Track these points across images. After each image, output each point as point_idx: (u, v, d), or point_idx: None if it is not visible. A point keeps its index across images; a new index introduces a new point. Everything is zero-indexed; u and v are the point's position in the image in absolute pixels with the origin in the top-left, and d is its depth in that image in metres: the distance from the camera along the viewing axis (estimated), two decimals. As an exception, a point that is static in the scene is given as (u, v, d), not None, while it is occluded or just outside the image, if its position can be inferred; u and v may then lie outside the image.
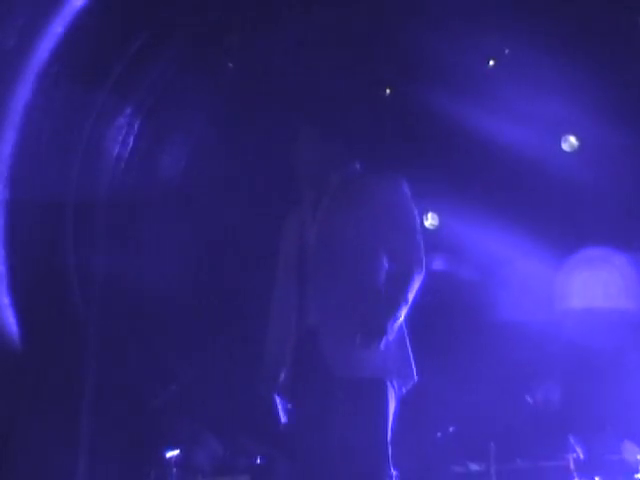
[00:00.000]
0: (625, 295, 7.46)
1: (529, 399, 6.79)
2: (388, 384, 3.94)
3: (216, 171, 7.38)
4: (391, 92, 7.71)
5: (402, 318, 3.95)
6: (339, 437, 3.88)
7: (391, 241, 4.01)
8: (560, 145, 7.53)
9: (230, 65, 7.44)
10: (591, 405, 6.88)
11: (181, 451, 6.86)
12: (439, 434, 7.23)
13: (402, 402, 4.07)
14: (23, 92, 6.36)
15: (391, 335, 3.88)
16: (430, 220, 7.75)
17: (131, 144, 7.31)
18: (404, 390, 4.02)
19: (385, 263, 4.02)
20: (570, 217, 7.46)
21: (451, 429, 7.16)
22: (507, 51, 7.31)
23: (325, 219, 4.04)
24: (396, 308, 3.90)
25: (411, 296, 3.96)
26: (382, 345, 3.83)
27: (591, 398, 6.93)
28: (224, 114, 7.58)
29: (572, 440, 6.34)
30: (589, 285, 7.62)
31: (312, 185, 4.10)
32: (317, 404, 3.94)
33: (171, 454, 6.84)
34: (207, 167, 7.51)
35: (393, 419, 3.97)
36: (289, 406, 4.04)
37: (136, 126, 7.29)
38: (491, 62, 7.39)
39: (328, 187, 4.07)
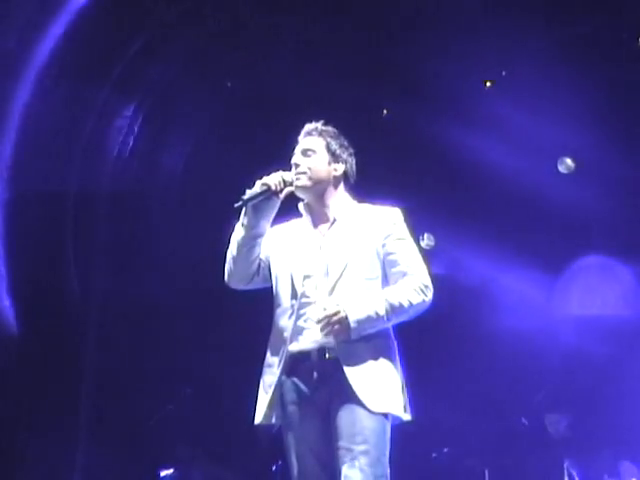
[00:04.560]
0: (623, 303, 7.47)
1: (524, 421, 6.79)
2: (389, 416, 3.94)
3: (216, 170, 7.37)
4: (387, 114, 7.75)
5: (375, 329, 3.88)
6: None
7: (395, 269, 4.00)
8: (557, 167, 7.56)
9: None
10: (589, 425, 6.87)
11: (175, 470, 6.86)
12: (434, 454, 7.24)
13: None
14: (23, 92, 6.38)
15: (354, 333, 3.83)
16: (426, 240, 7.76)
17: (131, 144, 7.33)
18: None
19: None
20: (565, 228, 7.48)
21: (445, 450, 7.16)
22: (504, 73, 7.34)
23: (332, 248, 4.02)
24: (379, 314, 3.87)
25: (396, 317, 3.90)
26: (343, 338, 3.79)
27: (588, 418, 6.92)
28: (224, 114, 7.60)
29: (567, 464, 6.33)
30: (587, 294, 7.63)
31: (313, 217, 4.09)
32: (314, 429, 3.92)
33: (165, 473, 6.84)
34: (207, 166, 7.51)
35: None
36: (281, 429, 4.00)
37: (136, 126, 7.31)
38: (488, 84, 7.42)
39: (332, 217, 4.07)
